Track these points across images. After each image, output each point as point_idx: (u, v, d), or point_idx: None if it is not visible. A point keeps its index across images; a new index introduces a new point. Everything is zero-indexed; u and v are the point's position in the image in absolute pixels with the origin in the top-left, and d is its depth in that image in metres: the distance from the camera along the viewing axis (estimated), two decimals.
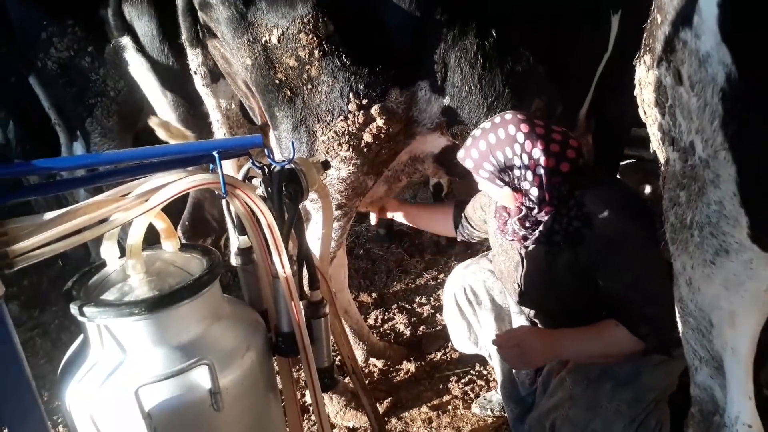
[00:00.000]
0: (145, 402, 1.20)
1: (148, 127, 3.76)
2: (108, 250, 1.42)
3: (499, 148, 1.96)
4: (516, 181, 1.97)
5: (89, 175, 1.37)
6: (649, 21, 1.37)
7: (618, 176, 2.99)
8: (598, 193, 1.94)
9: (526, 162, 1.92)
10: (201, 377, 1.25)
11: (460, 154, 2.08)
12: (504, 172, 1.98)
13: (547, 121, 2.02)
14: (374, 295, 3.57)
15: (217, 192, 1.35)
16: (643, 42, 1.38)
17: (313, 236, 2.42)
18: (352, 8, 2.04)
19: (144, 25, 2.66)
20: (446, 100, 2.20)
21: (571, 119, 2.50)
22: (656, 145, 1.45)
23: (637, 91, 1.46)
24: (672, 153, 1.31)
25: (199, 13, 2.14)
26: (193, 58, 2.21)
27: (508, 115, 1.99)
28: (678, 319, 1.41)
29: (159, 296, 1.26)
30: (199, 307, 1.33)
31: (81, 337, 1.38)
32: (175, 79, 2.86)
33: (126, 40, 2.72)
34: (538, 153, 1.90)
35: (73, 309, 1.25)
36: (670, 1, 1.18)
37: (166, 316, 1.27)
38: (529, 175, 1.93)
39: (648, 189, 3.08)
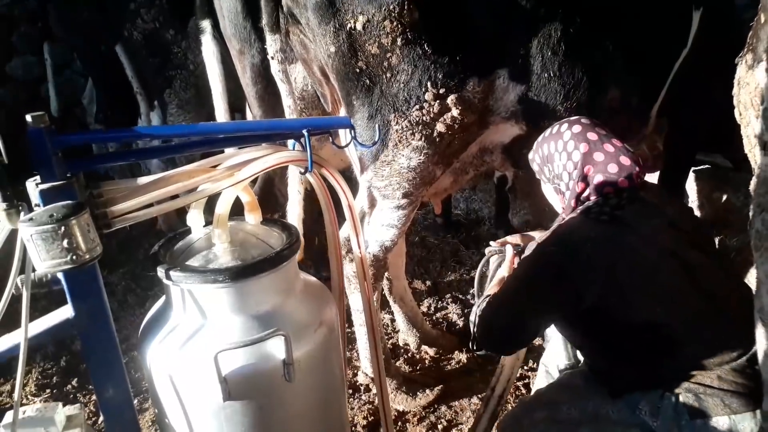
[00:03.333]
0: (223, 366, 1.26)
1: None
2: (194, 218, 1.48)
3: (546, 141, 1.94)
4: (555, 180, 1.94)
5: (181, 143, 1.42)
6: (755, 20, 1.32)
7: (688, 179, 2.87)
8: (574, 217, 1.81)
9: (564, 161, 1.88)
10: (276, 348, 1.30)
11: (530, 155, 2.07)
12: (546, 166, 1.94)
13: (610, 132, 1.89)
14: (428, 283, 3.58)
15: (301, 169, 1.38)
16: (747, 41, 1.33)
17: (377, 222, 2.45)
18: None
19: (229, 2, 2.71)
20: (524, 88, 2.18)
21: (643, 114, 2.45)
22: (748, 148, 1.40)
23: (734, 91, 1.41)
24: (764, 158, 1.27)
25: (287, 2, 2.18)
26: (272, 43, 2.25)
27: (573, 117, 1.96)
28: (757, 332, 1.37)
29: (242, 266, 1.31)
30: (278, 280, 1.37)
31: (163, 298, 1.44)
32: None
33: (206, 24, 2.79)
34: (577, 156, 1.82)
35: (160, 272, 1.31)
36: None
37: (247, 285, 1.32)
38: (565, 176, 1.87)
39: (723, 197, 2.97)
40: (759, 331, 1.36)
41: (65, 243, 1.08)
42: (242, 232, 1.46)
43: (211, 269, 1.30)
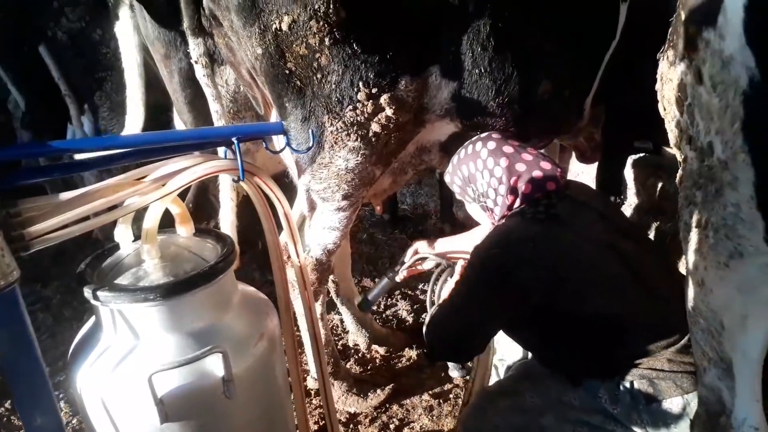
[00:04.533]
0: (158, 388, 1.21)
1: (157, 103, 3.77)
2: (122, 234, 1.42)
3: (464, 162, 2.01)
4: (481, 198, 1.99)
5: (101, 156, 1.36)
6: (674, 16, 1.36)
7: (626, 170, 2.96)
8: (509, 221, 1.87)
9: (488, 179, 1.93)
10: (214, 365, 1.26)
11: (446, 170, 2.14)
12: (469, 187, 2.02)
13: (522, 143, 1.99)
14: (377, 280, 3.57)
15: (234, 177, 1.35)
16: (668, 37, 1.37)
17: (318, 226, 2.43)
18: None
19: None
20: (456, 85, 2.19)
21: (577, 106, 2.50)
22: (673, 142, 1.44)
23: (657, 86, 1.45)
24: (689, 152, 1.31)
25: (205, 1, 2.11)
26: (195, 47, 2.18)
27: (483, 134, 2.04)
28: (688, 319, 1.42)
29: (174, 282, 1.27)
30: (214, 294, 1.34)
31: (92, 319, 1.38)
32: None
33: (124, 12, 2.68)
34: (500, 171, 1.90)
35: (87, 293, 1.26)
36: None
37: (180, 302, 1.28)
38: (492, 193, 1.94)
39: (659, 184, 3.07)
40: (689, 321, 1.42)
41: None
42: (173, 245, 1.41)
43: (141, 287, 1.25)
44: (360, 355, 2.91)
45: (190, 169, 1.27)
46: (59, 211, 1.19)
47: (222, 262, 1.33)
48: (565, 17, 2.24)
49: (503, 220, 1.91)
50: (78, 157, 1.63)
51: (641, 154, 3.25)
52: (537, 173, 1.87)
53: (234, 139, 1.31)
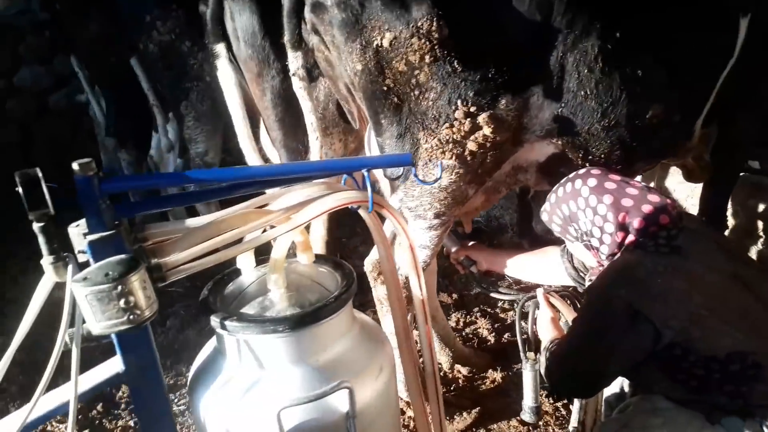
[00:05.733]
0: (284, 423, 1.20)
1: None
2: (245, 260, 1.42)
3: (564, 201, 1.94)
4: (584, 237, 1.91)
5: (226, 185, 1.36)
6: None
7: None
8: (629, 255, 1.77)
9: (591, 217, 1.85)
10: (339, 400, 1.24)
11: (543, 207, 2.08)
12: (570, 226, 1.94)
13: (624, 176, 1.91)
14: (454, 296, 3.52)
15: (357, 208, 1.33)
16: None
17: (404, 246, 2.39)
18: (468, 11, 1.98)
19: (245, 20, 2.65)
20: (559, 106, 2.12)
21: (688, 128, 2.38)
22: None
23: None
24: None
25: (307, 15, 2.12)
26: (294, 60, 2.21)
27: (582, 170, 1.96)
28: None
29: (303, 313, 1.26)
30: (338, 325, 1.32)
31: (212, 345, 1.38)
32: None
33: (221, 48, 2.72)
34: (604, 209, 1.81)
35: (214, 321, 1.26)
36: None
37: (307, 333, 1.27)
38: (596, 231, 1.85)
39: (759, 205, 2.90)
40: None
41: (122, 303, 1.03)
42: (295, 273, 1.40)
43: (271, 318, 1.24)
44: (442, 374, 2.86)
45: (319, 200, 1.25)
46: (189, 240, 1.20)
47: (346, 292, 1.31)
48: (679, 36, 2.12)
49: (617, 257, 1.82)
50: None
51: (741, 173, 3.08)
52: (647, 208, 1.77)
53: (364, 171, 1.29)
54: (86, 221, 1.14)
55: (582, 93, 2.09)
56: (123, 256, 1.08)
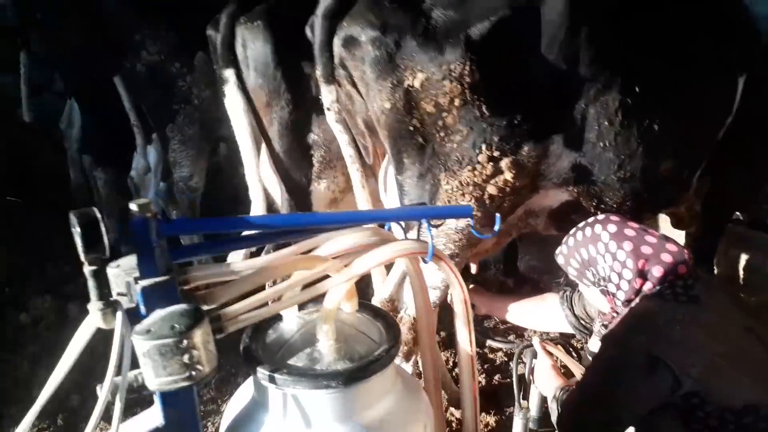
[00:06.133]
0: None
1: (224, 137, 3.72)
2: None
3: (583, 245, 1.96)
4: (602, 282, 1.93)
5: (287, 230, 1.28)
6: None
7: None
8: (647, 302, 1.80)
9: (610, 263, 1.87)
10: None
11: (557, 250, 2.10)
12: (588, 270, 1.96)
13: (642, 225, 1.95)
14: (442, 334, 3.47)
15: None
16: None
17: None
18: (499, 57, 1.98)
19: (258, 49, 2.59)
20: (578, 156, 2.14)
21: (689, 180, 2.45)
22: None
23: None
24: None
25: (337, 48, 2.08)
26: (328, 94, 2.16)
27: (601, 216, 1.99)
28: None
29: (356, 368, 1.18)
30: (385, 381, 1.25)
31: (249, 394, 1.30)
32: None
33: (230, 74, 2.65)
34: (623, 255, 1.84)
35: (262, 374, 1.18)
36: None
37: (357, 389, 1.19)
38: (615, 277, 1.87)
39: (741, 255, 2.98)
40: None
41: (185, 358, 0.95)
42: (339, 322, 1.33)
43: (323, 373, 1.17)
44: None
45: (379, 250, 1.20)
46: (241, 286, 1.13)
47: (395, 346, 1.25)
48: (690, 94, 2.20)
49: (635, 304, 1.83)
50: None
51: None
52: (666, 257, 1.81)
53: (424, 221, 1.25)
54: (139, 265, 1.06)
55: (601, 144, 2.12)
56: (185, 306, 1.00)
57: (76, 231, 0.98)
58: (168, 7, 3.39)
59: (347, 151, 2.24)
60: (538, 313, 2.53)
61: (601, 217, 1.97)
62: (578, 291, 2.34)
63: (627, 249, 1.84)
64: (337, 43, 2.06)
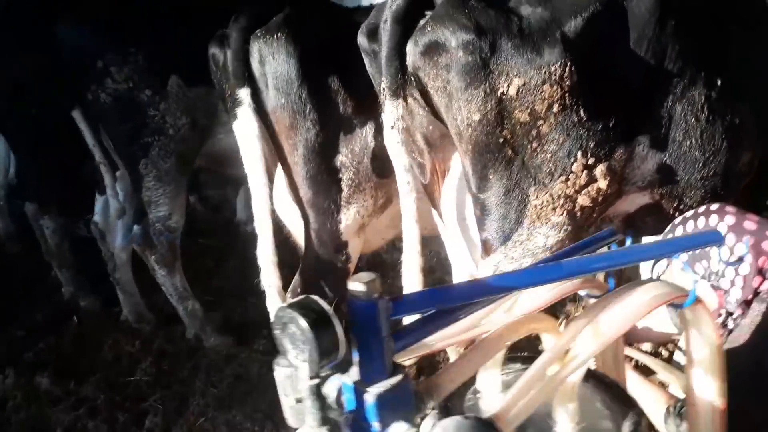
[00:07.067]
0: None
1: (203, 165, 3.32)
2: (489, 377, 1.06)
3: None
4: (713, 278, 1.81)
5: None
6: None
7: None
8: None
9: (726, 257, 1.75)
10: None
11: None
12: (699, 263, 1.81)
13: (762, 218, 1.83)
14: None
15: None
16: None
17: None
18: (592, 55, 1.81)
19: (280, 65, 2.26)
20: (664, 156, 2.01)
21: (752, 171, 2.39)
22: None
23: None
24: None
25: (413, 57, 1.83)
26: (393, 110, 1.88)
27: (714, 205, 1.86)
28: None
29: None
30: None
31: None
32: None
33: (245, 94, 2.31)
34: (743, 249, 1.72)
35: None
36: None
37: None
38: (730, 272, 1.76)
39: None
40: None
41: None
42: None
43: None
44: None
45: (624, 304, 0.95)
46: (461, 369, 0.87)
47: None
48: (761, 85, 2.13)
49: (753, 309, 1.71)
50: None
51: None
52: None
53: (674, 257, 1.03)
54: (363, 364, 0.77)
55: (687, 143, 2.01)
56: (473, 421, 0.73)
57: (299, 333, 0.69)
58: (135, 29, 2.97)
59: (405, 178, 1.97)
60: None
61: (714, 206, 1.81)
62: None
63: (749, 243, 1.70)
64: (413, 50, 1.80)
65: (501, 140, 1.84)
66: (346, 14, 2.56)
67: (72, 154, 3.34)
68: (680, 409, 1.86)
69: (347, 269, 2.65)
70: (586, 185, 1.92)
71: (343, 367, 0.79)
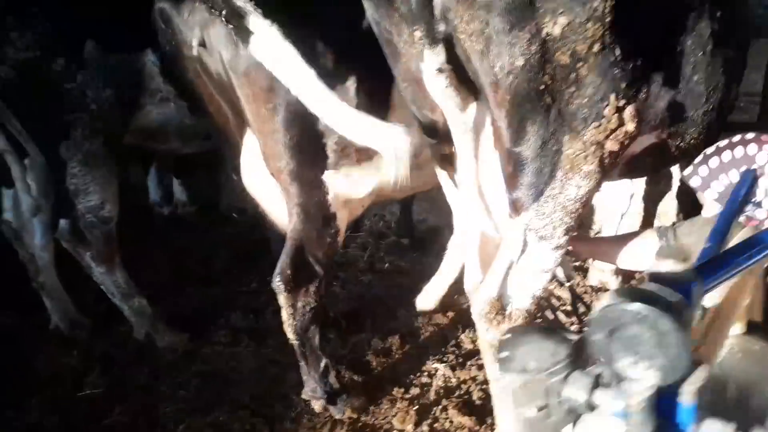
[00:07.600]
0: None
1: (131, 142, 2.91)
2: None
3: (733, 167, 1.85)
4: (750, 209, 1.85)
5: None
6: None
7: None
8: None
9: (765, 186, 1.80)
10: None
11: (687, 171, 1.95)
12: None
13: None
14: None
15: None
16: None
17: (529, 271, 2.02)
18: None
19: None
20: (674, 94, 2.01)
21: None
22: None
23: None
24: None
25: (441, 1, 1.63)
26: (436, 57, 1.67)
27: (750, 135, 1.89)
28: None
29: None
30: None
31: None
32: None
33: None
34: None
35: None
36: None
37: None
38: (766, 202, 1.80)
39: None
40: None
41: None
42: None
43: None
44: None
45: None
46: None
47: None
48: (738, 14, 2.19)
49: None
50: None
51: None
52: None
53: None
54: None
55: (695, 78, 2.02)
56: None
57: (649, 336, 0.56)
58: None
59: (460, 118, 1.80)
60: (635, 251, 2.34)
61: (750, 135, 1.84)
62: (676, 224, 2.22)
63: None
64: None
65: (542, 86, 1.71)
66: None
67: None
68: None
69: (336, 244, 2.44)
70: (614, 130, 1.85)
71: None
